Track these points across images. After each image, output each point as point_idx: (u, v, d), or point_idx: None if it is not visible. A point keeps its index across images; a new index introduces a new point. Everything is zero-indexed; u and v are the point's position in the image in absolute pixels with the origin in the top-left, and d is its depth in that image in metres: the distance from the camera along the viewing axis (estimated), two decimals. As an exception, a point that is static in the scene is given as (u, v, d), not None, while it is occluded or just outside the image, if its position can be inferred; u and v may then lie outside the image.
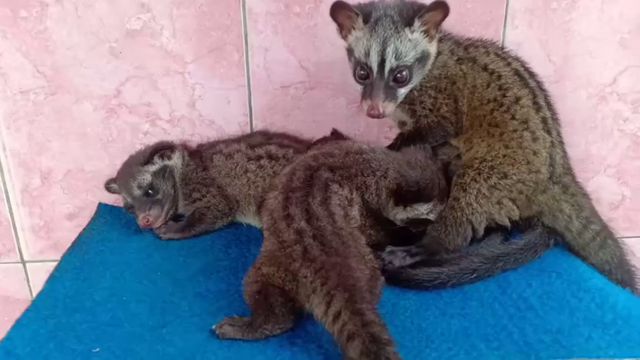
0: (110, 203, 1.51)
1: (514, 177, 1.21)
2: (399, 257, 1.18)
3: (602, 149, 1.59)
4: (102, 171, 1.52)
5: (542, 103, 1.27)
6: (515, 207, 1.23)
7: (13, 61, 1.42)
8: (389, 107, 1.20)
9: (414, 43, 1.18)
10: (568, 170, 1.30)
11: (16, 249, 1.62)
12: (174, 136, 1.50)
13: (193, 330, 0.99)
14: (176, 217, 1.41)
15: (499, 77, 1.25)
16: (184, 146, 1.46)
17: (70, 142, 1.50)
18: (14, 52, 1.41)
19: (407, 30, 1.17)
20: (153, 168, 1.36)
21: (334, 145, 1.23)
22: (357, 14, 1.19)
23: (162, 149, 1.37)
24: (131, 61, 1.43)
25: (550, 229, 1.26)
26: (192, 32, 1.41)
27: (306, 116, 1.51)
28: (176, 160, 1.39)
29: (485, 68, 1.26)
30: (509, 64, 1.27)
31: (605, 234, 1.29)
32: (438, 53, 1.25)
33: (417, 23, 1.18)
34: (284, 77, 1.48)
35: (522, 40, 1.46)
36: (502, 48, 1.33)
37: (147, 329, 0.99)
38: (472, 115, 1.26)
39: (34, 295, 1.13)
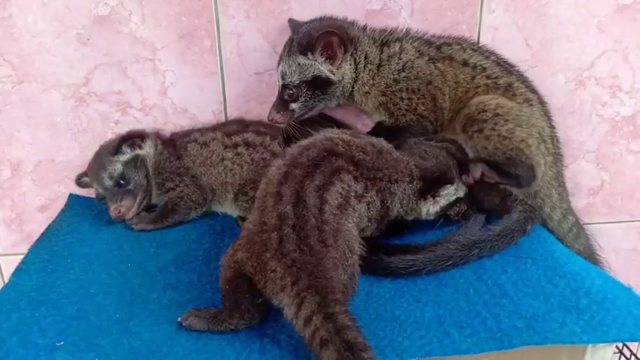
0: (82, 194, 1.48)
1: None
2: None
3: (581, 134, 1.59)
4: (73, 161, 1.49)
5: (532, 88, 1.32)
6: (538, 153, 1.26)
7: (-23, 50, 1.38)
8: (277, 117, 1.29)
9: (303, 67, 1.25)
10: (560, 159, 1.36)
11: (-12, 243, 1.59)
12: (146, 124, 1.46)
13: (161, 322, 0.97)
14: (149, 208, 1.38)
15: (484, 69, 1.28)
16: (157, 135, 1.42)
17: (39, 132, 1.47)
18: (-22, 40, 1.37)
19: (300, 56, 1.25)
20: (123, 158, 1.33)
21: (367, 140, 1.16)
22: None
23: (131, 138, 1.33)
24: (99, 48, 1.39)
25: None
26: (162, 17, 1.38)
27: (282, 103, 1.49)
28: (148, 149, 1.36)
29: (465, 64, 1.28)
30: (487, 57, 1.30)
31: (578, 226, 1.35)
32: (392, 55, 1.28)
33: (311, 55, 1.24)
34: (258, 63, 1.44)
35: (499, 25, 1.44)
36: (476, 43, 1.35)
37: (113, 322, 0.97)
38: (457, 107, 1.28)
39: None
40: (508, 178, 1.25)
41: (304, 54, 1.25)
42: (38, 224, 1.54)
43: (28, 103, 1.44)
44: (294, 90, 1.27)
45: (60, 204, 1.48)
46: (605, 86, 1.53)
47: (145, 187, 1.35)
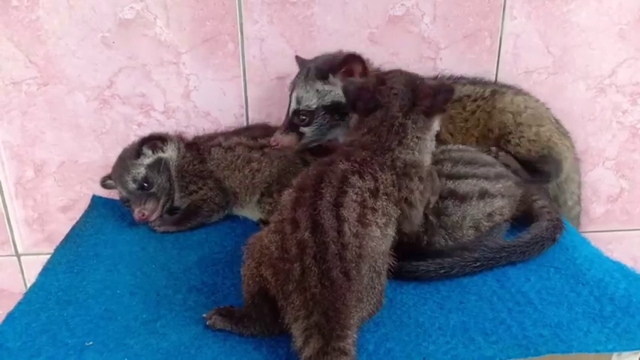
0: (104, 195, 1.49)
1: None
2: None
3: (601, 141, 1.58)
4: (96, 163, 1.51)
5: (503, 84, 1.45)
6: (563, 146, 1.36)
7: (4, 51, 1.40)
8: (284, 140, 1.29)
9: (322, 93, 1.27)
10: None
11: (11, 242, 1.60)
12: (168, 127, 1.48)
13: (188, 323, 0.98)
14: (172, 210, 1.39)
15: (468, 96, 1.37)
16: (180, 138, 1.43)
17: (63, 133, 1.48)
18: (6, 42, 1.39)
19: (318, 82, 1.26)
20: (147, 161, 1.34)
21: None
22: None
23: (152, 140, 1.35)
24: (124, 51, 1.41)
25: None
26: (187, 22, 1.39)
27: (303, 108, 1.50)
28: (171, 153, 1.37)
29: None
30: (463, 84, 1.39)
31: (578, 219, 1.46)
32: None
33: (332, 78, 1.26)
34: (280, 68, 1.46)
35: (521, 32, 1.45)
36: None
37: (140, 322, 0.98)
38: (472, 133, 1.37)
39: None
40: (540, 175, 1.33)
41: (324, 78, 1.26)
42: (60, 224, 1.56)
43: (52, 105, 1.46)
44: (307, 115, 1.28)
45: (82, 205, 1.50)
46: (625, 94, 1.53)
47: (168, 190, 1.36)
